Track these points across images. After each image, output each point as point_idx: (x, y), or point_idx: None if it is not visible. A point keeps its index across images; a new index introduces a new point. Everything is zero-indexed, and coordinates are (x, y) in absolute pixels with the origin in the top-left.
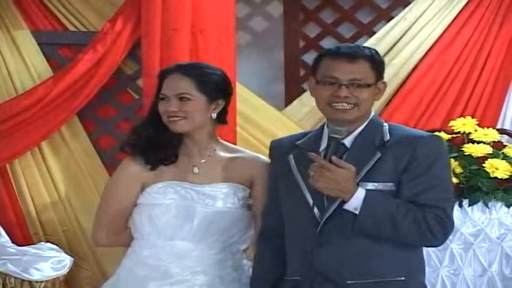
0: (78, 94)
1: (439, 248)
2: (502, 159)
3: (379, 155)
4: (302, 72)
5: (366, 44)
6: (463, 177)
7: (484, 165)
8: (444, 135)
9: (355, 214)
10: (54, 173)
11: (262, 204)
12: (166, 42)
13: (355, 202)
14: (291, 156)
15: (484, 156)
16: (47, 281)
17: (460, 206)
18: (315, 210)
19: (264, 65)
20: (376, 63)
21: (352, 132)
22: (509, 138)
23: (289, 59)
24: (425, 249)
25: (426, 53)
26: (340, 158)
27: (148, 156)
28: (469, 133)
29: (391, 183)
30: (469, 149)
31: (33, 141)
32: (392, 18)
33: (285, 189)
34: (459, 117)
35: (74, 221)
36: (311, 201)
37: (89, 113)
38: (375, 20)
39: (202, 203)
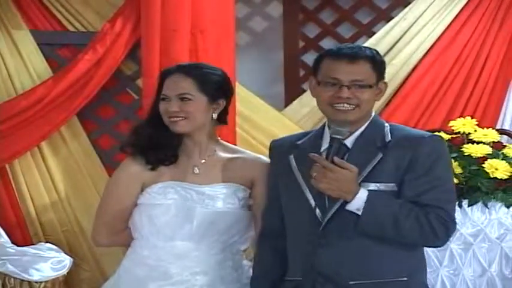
0: (77, 94)
1: (439, 248)
2: (502, 159)
3: (380, 155)
4: (302, 73)
5: (366, 44)
6: (462, 177)
7: (483, 165)
8: (444, 136)
9: (357, 215)
10: (53, 173)
11: (263, 204)
12: (165, 43)
13: (358, 203)
14: (292, 157)
15: (483, 157)
16: (46, 282)
17: (460, 206)
18: (317, 210)
19: (264, 65)
20: (377, 63)
21: (353, 133)
22: (509, 138)
23: (288, 60)
24: (424, 250)
25: (426, 53)
26: (342, 158)
27: (149, 157)
28: (469, 133)
29: (392, 184)
30: (468, 149)
31: (33, 142)
32: (392, 18)
33: (286, 189)
34: (459, 117)
35: (74, 221)
36: (313, 202)
37: (88, 113)
38: (374, 20)
39: (202, 204)
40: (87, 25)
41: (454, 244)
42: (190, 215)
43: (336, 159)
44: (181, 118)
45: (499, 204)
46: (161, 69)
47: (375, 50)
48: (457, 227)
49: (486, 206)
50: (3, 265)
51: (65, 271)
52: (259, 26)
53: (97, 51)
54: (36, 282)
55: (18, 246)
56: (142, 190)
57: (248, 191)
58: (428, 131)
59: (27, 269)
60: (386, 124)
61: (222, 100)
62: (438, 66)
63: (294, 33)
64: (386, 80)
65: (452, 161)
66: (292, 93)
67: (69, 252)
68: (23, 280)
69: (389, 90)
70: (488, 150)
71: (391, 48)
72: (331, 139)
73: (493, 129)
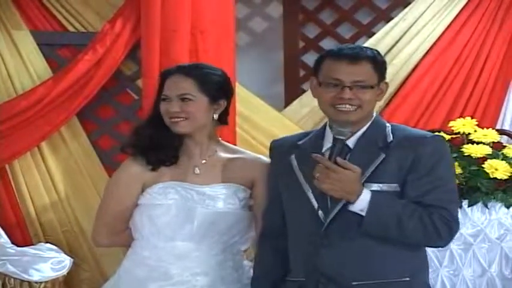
0: (77, 95)
1: (439, 248)
2: (502, 159)
3: (383, 156)
4: (302, 73)
5: (366, 45)
6: (462, 177)
7: (483, 165)
8: (444, 136)
9: (361, 215)
10: (53, 173)
11: (263, 204)
12: (165, 43)
13: (361, 204)
14: (293, 157)
15: (483, 157)
16: (46, 282)
17: (460, 206)
18: (319, 211)
19: (264, 65)
20: (379, 64)
21: (355, 133)
22: (509, 138)
23: (288, 60)
24: None
25: (426, 54)
26: (344, 159)
27: (150, 157)
28: (469, 134)
29: (395, 184)
30: (468, 149)
31: (32, 142)
32: (391, 18)
33: (287, 189)
34: (459, 117)
35: (74, 221)
36: (315, 202)
37: (88, 114)
38: (374, 21)
39: (203, 204)
40: (87, 25)
41: (454, 244)
42: (191, 216)
43: (339, 159)
44: (182, 118)
45: (499, 204)
46: (161, 70)
47: (376, 51)
48: None
49: (486, 206)
50: (3, 265)
51: (64, 271)
52: (259, 27)
53: (97, 51)
54: (36, 282)
55: (18, 246)
56: (142, 190)
57: (249, 191)
58: (428, 131)
59: (27, 269)
60: (388, 124)
61: (223, 100)
62: (438, 67)
63: (294, 34)
64: (386, 80)
65: None
66: (292, 94)
67: (69, 252)
68: (23, 280)
69: (389, 91)
70: (488, 150)
71: (391, 48)
72: (335, 139)
73: (493, 129)
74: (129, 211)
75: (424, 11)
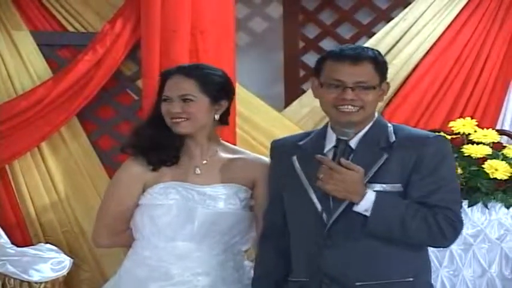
0: (77, 95)
1: (439, 248)
2: (502, 160)
3: (386, 156)
4: (302, 73)
5: (366, 45)
6: (462, 178)
7: (483, 166)
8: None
9: (365, 216)
10: (53, 173)
11: (264, 205)
12: (165, 44)
13: (366, 204)
14: (295, 158)
15: (483, 157)
16: (46, 282)
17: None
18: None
19: (264, 66)
20: (380, 64)
21: (357, 134)
22: (509, 139)
23: (288, 60)
24: None
25: (426, 54)
26: (346, 159)
27: (150, 157)
28: (469, 134)
29: (398, 185)
30: (468, 150)
31: (32, 142)
32: (392, 18)
33: (289, 190)
34: (459, 117)
35: (74, 221)
36: (317, 203)
37: (88, 114)
38: (374, 21)
39: (203, 204)
40: (87, 26)
41: (454, 245)
42: (192, 216)
43: (342, 160)
44: (183, 119)
45: (499, 204)
46: (161, 70)
47: (377, 51)
48: None
49: (486, 206)
50: (3, 266)
51: (64, 272)
52: (259, 27)
53: (97, 51)
54: (36, 282)
55: (18, 246)
56: (143, 191)
57: (249, 191)
58: (428, 131)
59: (27, 269)
60: (390, 124)
61: (224, 101)
62: (438, 67)
63: (294, 34)
64: (387, 80)
65: None
66: (292, 94)
67: (69, 252)
68: (22, 281)
69: (389, 91)
70: (488, 150)
71: (392, 48)
72: (338, 140)
73: (493, 129)
74: (130, 211)
75: (425, 11)
